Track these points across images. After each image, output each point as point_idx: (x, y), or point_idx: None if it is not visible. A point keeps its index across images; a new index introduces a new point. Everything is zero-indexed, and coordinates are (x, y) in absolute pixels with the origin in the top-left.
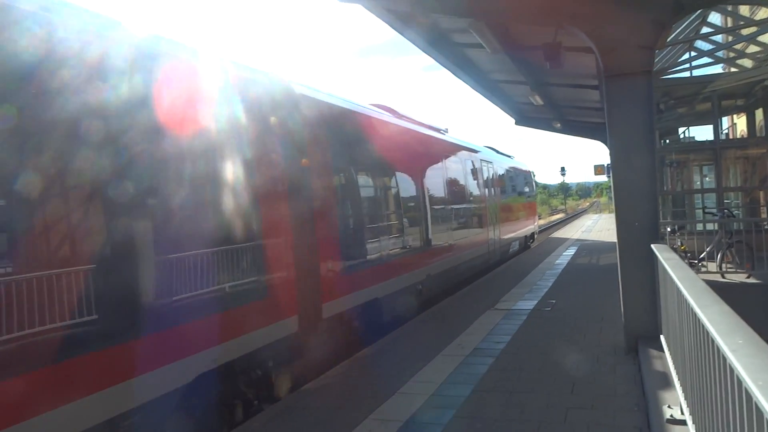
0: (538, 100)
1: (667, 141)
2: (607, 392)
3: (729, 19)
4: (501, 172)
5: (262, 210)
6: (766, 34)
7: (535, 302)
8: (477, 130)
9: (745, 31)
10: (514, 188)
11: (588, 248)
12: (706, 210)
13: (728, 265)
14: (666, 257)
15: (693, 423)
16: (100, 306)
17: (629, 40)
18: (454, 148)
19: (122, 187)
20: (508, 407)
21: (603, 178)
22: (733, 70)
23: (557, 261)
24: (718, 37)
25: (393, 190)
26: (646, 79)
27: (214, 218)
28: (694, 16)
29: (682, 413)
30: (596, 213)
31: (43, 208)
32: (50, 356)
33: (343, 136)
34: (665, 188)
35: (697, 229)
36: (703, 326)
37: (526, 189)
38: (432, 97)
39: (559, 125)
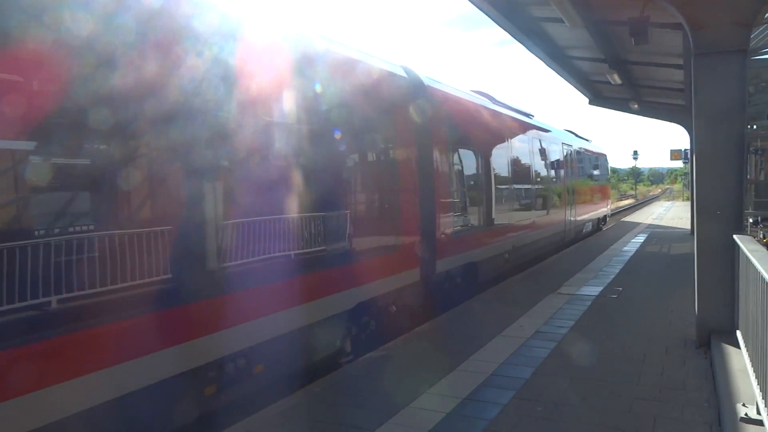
0: (616, 79)
1: (754, 126)
2: (676, 385)
3: None
4: (579, 155)
5: (404, 190)
6: None
7: (601, 288)
8: (547, 108)
9: None
10: (590, 171)
11: (659, 236)
12: None
13: None
14: (751, 249)
15: None
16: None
17: (724, 16)
18: (540, 133)
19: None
20: (569, 392)
21: (678, 164)
22: None
23: (625, 248)
24: None
25: (491, 172)
26: (740, 58)
27: (385, 199)
28: None
29: (759, 413)
30: (668, 200)
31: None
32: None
33: (459, 123)
34: (748, 177)
35: None
36: None
37: (601, 172)
38: (503, 72)
39: (636, 106)
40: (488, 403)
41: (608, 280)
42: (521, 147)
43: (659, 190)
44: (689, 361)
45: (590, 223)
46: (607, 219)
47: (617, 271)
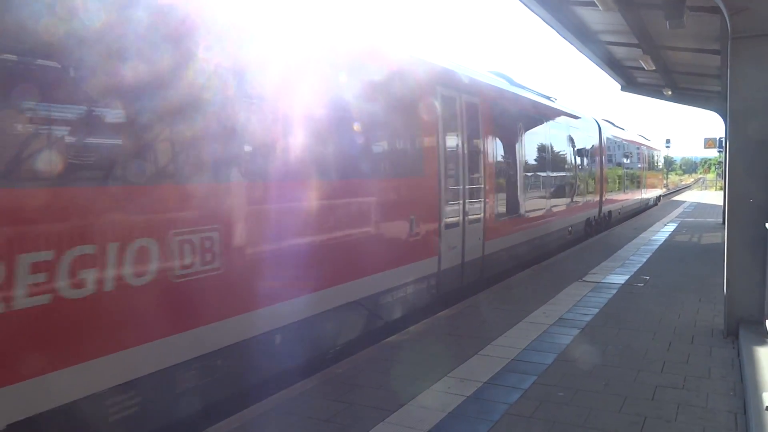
0: (650, 64)
1: None
2: (701, 374)
3: None
4: (637, 149)
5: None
6: None
7: (627, 277)
8: (579, 94)
9: None
10: (649, 161)
11: (689, 226)
12: None
13: None
14: None
15: None
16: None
17: None
18: (600, 131)
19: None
20: (591, 378)
21: (713, 152)
22: None
23: (654, 237)
24: None
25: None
26: None
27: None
28: None
29: None
30: (701, 189)
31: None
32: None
33: (520, 120)
34: None
35: None
36: None
37: (656, 162)
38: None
39: (670, 93)
40: (509, 388)
41: (635, 269)
42: (585, 144)
43: (692, 180)
44: (716, 350)
45: (651, 199)
46: (661, 199)
47: (645, 259)
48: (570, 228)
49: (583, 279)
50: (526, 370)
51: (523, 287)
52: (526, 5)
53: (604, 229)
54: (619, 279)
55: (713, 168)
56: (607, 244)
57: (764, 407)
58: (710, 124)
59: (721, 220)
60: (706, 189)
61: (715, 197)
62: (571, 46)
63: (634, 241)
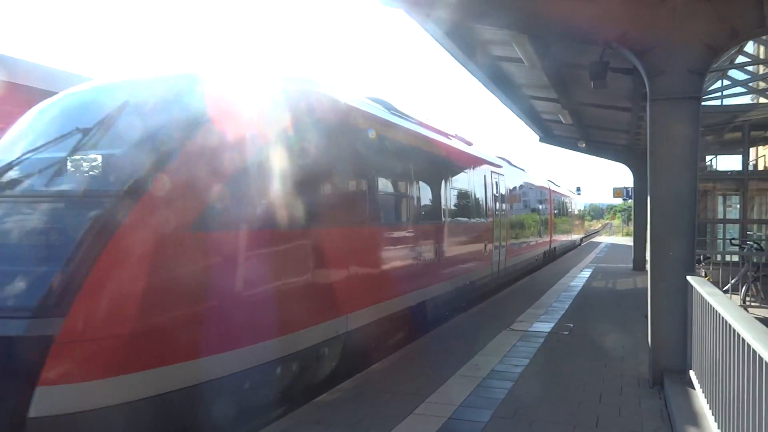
0: (567, 119)
1: None
2: (634, 427)
3: (762, 49)
4: (572, 202)
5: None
6: None
7: (552, 325)
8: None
9: None
10: (575, 210)
11: (603, 271)
12: (734, 241)
13: (752, 299)
14: (709, 292)
15: None
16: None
17: (679, 64)
18: (557, 191)
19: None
20: None
21: (618, 200)
22: (762, 100)
23: (572, 283)
24: (750, 67)
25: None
26: (693, 104)
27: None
28: None
29: None
30: (609, 235)
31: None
32: None
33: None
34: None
35: (724, 260)
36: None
37: (580, 210)
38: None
39: (583, 145)
40: None
41: (559, 316)
42: (557, 202)
43: (599, 225)
44: (644, 401)
45: (578, 240)
46: (582, 241)
47: (566, 306)
48: (538, 256)
49: (511, 327)
50: (462, 429)
51: (455, 338)
52: (461, 63)
53: (552, 260)
54: (545, 327)
55: (618, 214)
56: (529, 290)
57: None
58: (617, 173)
59: (632, 266)
60: (613, 234)
61: (623, 241)
62: (498, 99)
63: (554, 287)
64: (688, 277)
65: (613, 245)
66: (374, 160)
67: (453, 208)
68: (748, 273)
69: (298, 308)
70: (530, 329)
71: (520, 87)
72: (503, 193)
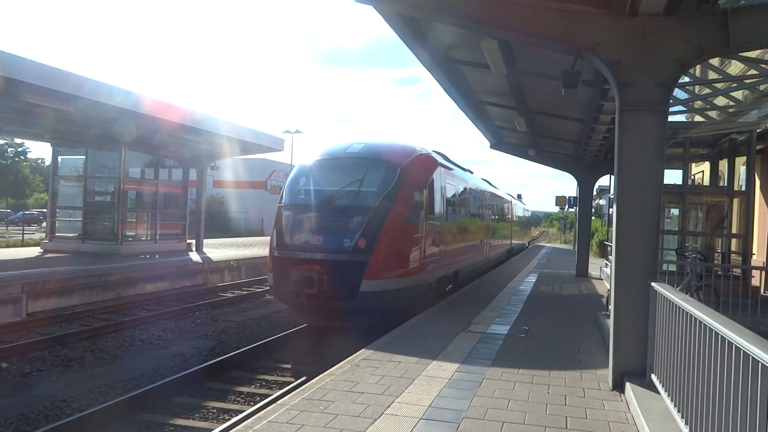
0: (522, 126)
1: None
2: (602, 429)
3: (699, 69)
4: (526, 212)
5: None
6: (740, 90)
7: (509, 327)
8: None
9: (717, 84)
10: (525, 218)
11: (548, 277)
12: (679, 251)
13: None
14: (683, 298)
15: None
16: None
17: (648, 77)
18: (511, 200)
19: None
20: None
21: (556, 209)
22: (698, 119)
23: (520, 287)
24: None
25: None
26: (660, 116)
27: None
28: None
29: None
30: (546, 242)
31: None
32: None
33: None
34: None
35: (668, 269)
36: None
37: (528, 218)
38: (397, 112)
39: (533, 153)
40: None
41: (513, 319)
42: (515, 211)
43: (537, 233)
44: (608, 403)
45: (526, 242)
46: (529, 244)
47: (519, 309)
48: (504, 252)
49: (469, 329)
50: (437, 431)
51: (414, 339)
52: (425, 66)
53: (511, 257)
54: (502, 329)
55: (556, 223)
56: (480, 294)
57: None
58: (560, 183)
59: (575, 272)
60: (550, 242)
61: (561, 247)
62: (455, 103)
63: (504, 290)
64: (652, 284)
65: (553, 251)
66: (454, 193)
67: (484, 217)
68: (691, 282)
69: (453, 257)
70: (487, 331)
71: (477, 92)
72: (507, 211)
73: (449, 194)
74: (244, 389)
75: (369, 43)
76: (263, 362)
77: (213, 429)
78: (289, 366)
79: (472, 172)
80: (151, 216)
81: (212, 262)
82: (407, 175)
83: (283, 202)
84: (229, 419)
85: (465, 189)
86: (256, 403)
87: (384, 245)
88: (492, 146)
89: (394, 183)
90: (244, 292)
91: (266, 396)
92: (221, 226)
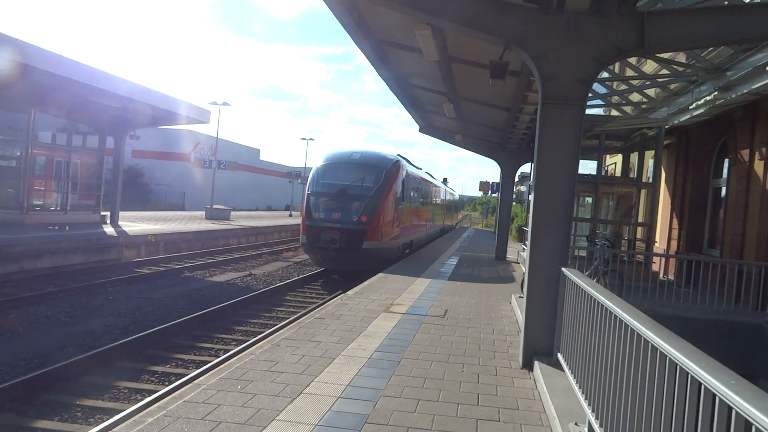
0: (451, 112)
1: None
2: (511, 405)
3: (617, 66)
4: (447, 192)
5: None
6: (652, 88)
7: (428, 309)
8: (373, 130)
9: (633, 81)
10: (451, 200)
11: (468, 260)
12: (590, 238)
13: None
14: (588, 283)
15: None
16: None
17: (569, 72)
18: (444, 187)
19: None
20: (418, 415)
21: (479, 193)
22: (614, 113)
23: (441, 269)
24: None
25: (438, 204)
26: (578, 110)
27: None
28: None
29: (591, 431)
30: (469, 225)
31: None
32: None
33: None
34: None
35: (579, 255)
36: (653, 346)
37: (456, 200)
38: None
39: (460, 138)
40: (343, 430)
41: (433, 301)
42: (444, 194)
43: (461, 216)
44: (517, 381)
45: (454, 223)
46: (456, 225)
47: (439, 290)
48: (442, 228)
49: (390, 310)
50: (355, 410)
51: (335, 319)
52: (358, 46)
53: (443, 234)
54: (421, 311)
55: (479, 207)
56: (400, 276)
57: None
58: (483, 169)
59: (494, 255)
60: (472, 225)
61: (482, 230)
62: (387, 85)
63: (425, 272)
64: (563, 269)
65: (476, 233)
66: (419, 188)
67: (429, 203)
68: (599, 267)
69: (410, 230)
70: (407, 312)
71: (408, 76)
72: (443, 196)
73: (411, 187)
74: (159, 369)
75: (303, 14)
76: (180, 341)
77: (123, 409)
78: (207, 345)
79: (420, 169)
80: (61, 185)
81: (128, 236)
82: (388, 175)
83: (310, 190)
84: (141, 399)
85: (419, 182)
86: (171, 383)
87: (376, 220)
88: (421, 130)
89: (381, 181)
90: (162, 269)
91: (182, 376)
92: (140, 198)
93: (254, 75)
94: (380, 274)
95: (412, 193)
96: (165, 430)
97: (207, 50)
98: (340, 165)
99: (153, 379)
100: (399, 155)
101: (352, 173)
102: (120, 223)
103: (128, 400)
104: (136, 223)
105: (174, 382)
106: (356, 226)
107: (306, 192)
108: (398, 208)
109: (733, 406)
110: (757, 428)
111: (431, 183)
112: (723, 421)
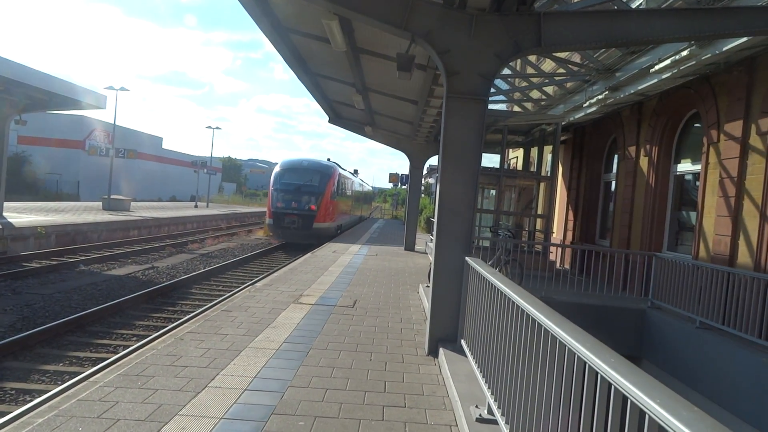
0: (360, 104)
1: None
2: (417, 391)
3: (519, 64)
4: (364, 186)
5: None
6: (551, 86)
7: (337, 299)
8: (283, 119)
9: (534, 79)
10: (366, 192)
11: (378, 251)
12: (493, 228)
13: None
14: (490, 272)
15: (506, 423)
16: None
17: (472, 68)
18: (359, 181)
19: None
20: (326, 404)
21: (389, 185)
22: (516, 109)
23: (351, 260)
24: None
25: (357, 197)
26: (481, 105)
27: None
28: None
29: (490, 413)
30: (379, 216)
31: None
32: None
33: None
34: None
35: (483, 245)
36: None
37: (369, 191)
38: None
39: (370, 130)
40: (249, 422)
41: (343, 291)
42: (359, 188)
43: (373, 207)
44: (423, 367)
45: (369, 213)
46: (371, 215)
47: (349, 281)
48: (359, 217)
49: (299, 301)
50: (262, 401)
51: (242, 311)
52: (265, 34)
53: (361, 221)
54: (331, 301)
55: (389, 198)
56: (312, 266)
57: (474, 419)
58: (392, 161)
59: (403, 247)
60: (383, 216)
61: (392, 222)
62: (294, 74)
63: (335, 263)
64: (467, 258)
65: (386, 224)
66: (345, 185)
67: (352, 196)
68: (501, 257)
69: (341, 216)
70: (316, 303)
71: (317, 65)
72: (360, 190)
73: (342, 184)
74: (51, 367)
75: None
76: (74, 338)
77: (9, 412)
78: (105, 342)
79: (345, 169)
80: None
81: (15, 228)
82: (328, 177)
83: (274, 187)
84: (30, 401)
85: (347, 181)
86: (64, 381)
87: (322, 208)
88: (330, 121)
89: (325, 181)
90: (54, 262)
91: (77, 374)
92: (27, 188)
93: (154, 60)
94: (306, 255)
95: (343, 190)
96: (56, 430)
97: (99, 33)
98: (294, 169)
99: (44, 378)
100: (333, 161)
101: (304, 175)
102: (5, 214)
103: (15, 401)
104: (23, 215)
105: (68, 381)
106: (308, 212)
107: (270, 188)
108: (334, 200)
109: (612, 382)
110: (632, 402)
111: (356, 181)
112: (604, 396)
